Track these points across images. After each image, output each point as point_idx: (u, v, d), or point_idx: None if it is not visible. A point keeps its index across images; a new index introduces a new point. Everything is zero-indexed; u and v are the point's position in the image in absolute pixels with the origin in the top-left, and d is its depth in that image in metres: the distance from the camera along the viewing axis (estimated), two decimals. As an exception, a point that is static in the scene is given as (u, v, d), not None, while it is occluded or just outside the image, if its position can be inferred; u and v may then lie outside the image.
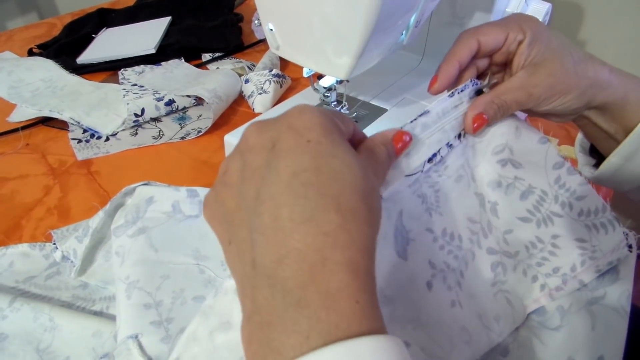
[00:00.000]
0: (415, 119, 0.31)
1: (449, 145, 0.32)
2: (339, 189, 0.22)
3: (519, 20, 0.34)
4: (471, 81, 0.33)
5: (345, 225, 0.21)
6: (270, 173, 0.22)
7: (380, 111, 0.53)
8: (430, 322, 0.30)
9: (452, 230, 0.33)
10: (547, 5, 0.52)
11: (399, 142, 0.28)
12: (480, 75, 0.37)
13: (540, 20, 0.36)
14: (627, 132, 0.34)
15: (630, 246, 0.31)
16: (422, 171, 0.31)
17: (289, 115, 0.24)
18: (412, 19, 0.41)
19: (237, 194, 0.23)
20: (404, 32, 0.42)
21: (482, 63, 0.36)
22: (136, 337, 0.34)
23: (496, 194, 0.33)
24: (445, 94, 0.33)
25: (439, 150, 0.32)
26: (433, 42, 0.59)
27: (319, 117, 0.24)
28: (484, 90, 0.34)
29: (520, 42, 0.34)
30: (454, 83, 0.34)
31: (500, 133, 0.34)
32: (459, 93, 0.33)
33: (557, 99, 0.34)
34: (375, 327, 0.20)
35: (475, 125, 0.32)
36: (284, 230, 0.21)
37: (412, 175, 0.31)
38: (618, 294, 0.30)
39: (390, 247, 0.31)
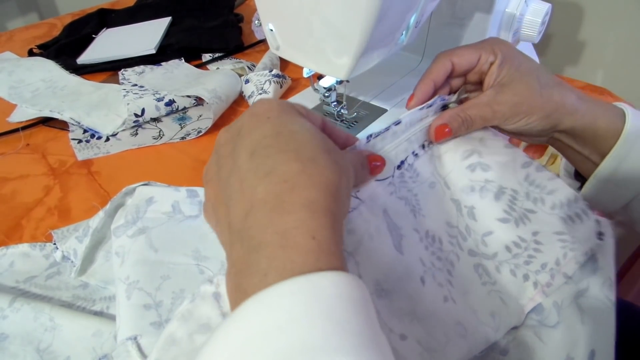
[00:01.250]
0: (388, 127, 0.34)
1: (415, 154, 0.35)
2: (298, 144, 0.23)
3: (493, 43, 0.36)
4: (439, 97, 0.36)
5: (305, 170, 0.22)
6: (237, 152, 0.24)
7: (380, 111, 0.53)
8: (425, 315, 0.31)
9: (433, 233, 0.34)
10: (547, 6, 0.52)
11: (374, 161, 0.31)
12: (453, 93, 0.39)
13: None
14: (602, 155, 0.35)
15: (600, 233, 0.31)
16: (392, 176, 0.34)
17: (251, 108, 0.27)
18: (412, 19, 0.41)
19: (216, 183, 0.25)
20: (403, 32, 0.42)
21: (457, 82, 0.39)
22: (135, 338, 0.34)
23: (471, 198, 0.35)
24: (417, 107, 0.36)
25: (406, 158, 0.35)
26: (433, 43, 0.59)
27: (278, 102, 0.27)
28: (450, 105, 0.37)
29: (491, 64, 0.36)
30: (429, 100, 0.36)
31: (466, 140, 0.36)
32: (427, 107, 0.36)
33: (521, 118, 0.35)
34: (334, 263, 0.20)
35: (439, 134, 0.35)
36: (250, 188, 0.22)
37: (382, 180, 0.33)
38: (600, 283, 0.30)
39: (388, 240, 0.31)
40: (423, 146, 0.36)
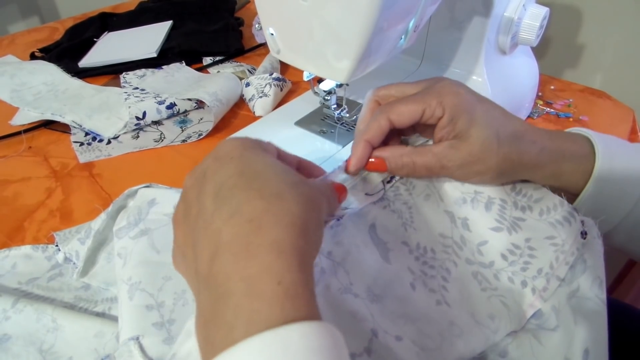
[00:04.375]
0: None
1: None
2: (262, 181, 0.23)
3: (440, 93, 0.32)
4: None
5: (270, 209, 0.21)
6: (202, 195, 0.23)
7: (380, 114, 0.53)
8: (418, 317, 0.31)
9: (425, 244, 0.35)
10: (545, 10, 0.53)
11: (339, 192, 0.30)
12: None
13: (467, 87, 0.34)
14: (571, 194, 0.34)
15: (584, 233, 0.32)
16: (384, 190, 0.36)
17: (214, 150, 0.26)
18: (411, 23, 0.42)
19: (184, 227, 0.25)
20: (403, 36, 0.43)
21: (407, 132, 0.37)
22: (137, 338, 0.34)
23: (464, 210, 0.36)
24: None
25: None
26: (432, 46, 0.59)
27: (240, 140, 0.26)
28: (410, 140, 0.37)
29: (439, 118, 0.32)
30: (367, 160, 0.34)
31: None
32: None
33: (473, 176, 0.33)
34: (301, 310, 0.19)
35: (373, 165, 0.34)
36: (215, 232, 0.21)
37: (373, 194, 0.35)
38: (589, 283, 0.31)
39: (375, 251, 0.33)
40: None
